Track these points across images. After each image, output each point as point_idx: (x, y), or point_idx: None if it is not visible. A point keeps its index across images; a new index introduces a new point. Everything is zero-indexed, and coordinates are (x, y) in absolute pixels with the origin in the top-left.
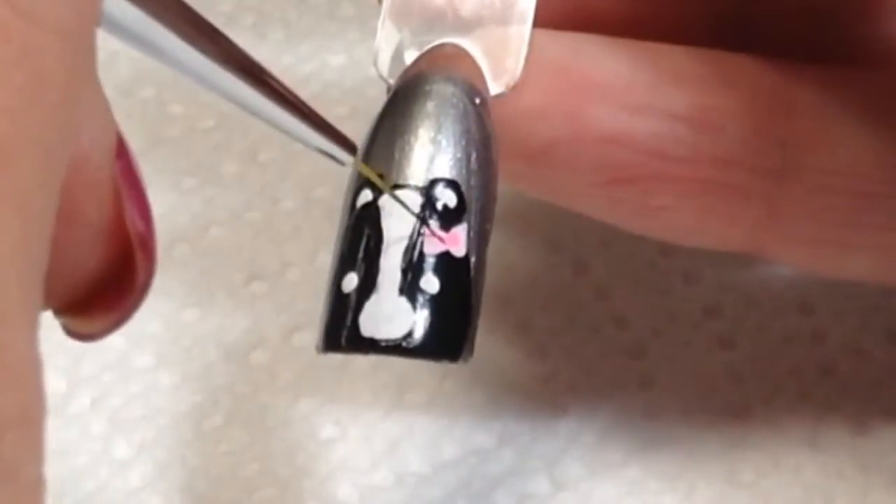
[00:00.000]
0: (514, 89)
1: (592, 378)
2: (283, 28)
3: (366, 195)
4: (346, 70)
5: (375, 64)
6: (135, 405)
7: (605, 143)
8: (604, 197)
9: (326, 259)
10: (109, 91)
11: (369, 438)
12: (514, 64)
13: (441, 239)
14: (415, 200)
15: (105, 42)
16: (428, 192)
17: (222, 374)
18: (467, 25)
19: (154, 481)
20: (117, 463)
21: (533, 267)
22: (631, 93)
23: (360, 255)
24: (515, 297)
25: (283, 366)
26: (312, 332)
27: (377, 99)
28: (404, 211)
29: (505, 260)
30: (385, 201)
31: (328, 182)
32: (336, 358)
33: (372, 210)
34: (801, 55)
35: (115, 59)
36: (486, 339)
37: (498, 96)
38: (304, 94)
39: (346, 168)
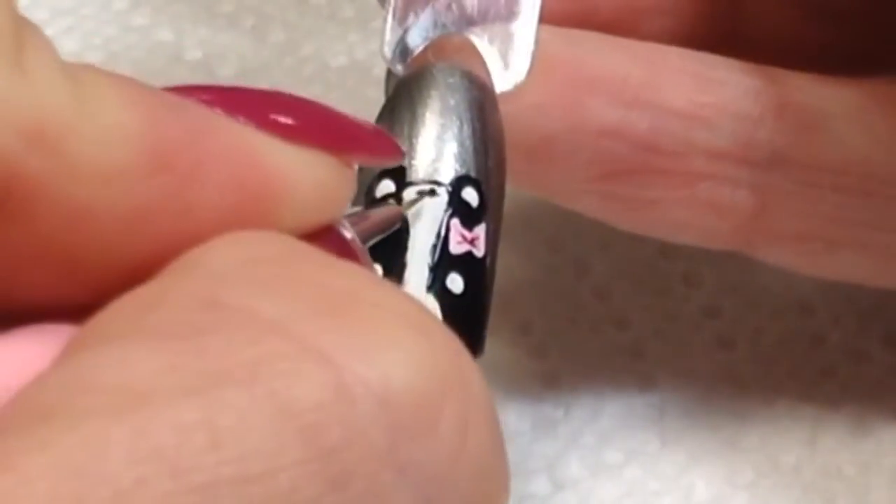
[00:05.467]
0: (519, 86)
1: (593, 378)
2: (284, 29)
3: (387, 186)
4: (348, 72)
5: (382, 51)
6: None
7: (602, 137)
8: (598, 192)
9: None
10: None
11: None
12: (522, 62)
13: (465, 238)
14: (441, 198)
15: (106, 44)
16: (454, 189)
17: None
18: (473, 21)
19: None
20: None
21: (533, 267)
22: (627, 88)
23: (384, 247)
24: (516, 298)
25: None
26: None
27: (379, 101)
28: (431, 207)
29: (505, 260)
30: (410, 195)
31: None
32: None
33: (394, 202)
34: (798, 58)
35: (114, 60)
36: (487, 339)
37: (503, 94)
38: (305, 96)
39: None
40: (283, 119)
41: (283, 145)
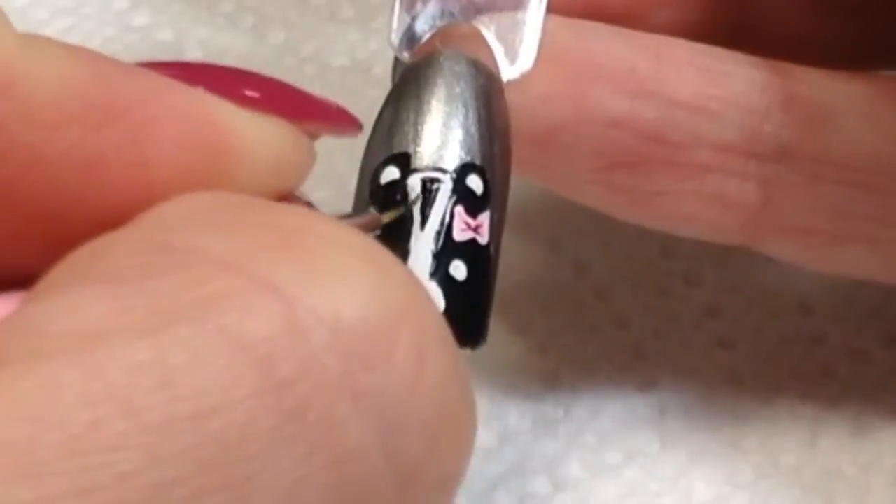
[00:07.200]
0: (525, 75)
1: (593, 378)
2: (284, 29)
3: (392, 172)
4: (348, 72)
5: (389, 39)
6: None
7: (607, 127)
8: (603, 183)
9: None
10: None
11: None
12: (529, 51)
13: (469, 226)
14: (445, 185)
15: (106, 44)
16: (459, 177)
17: None
18: (480, 9)
19: None
20: None
21: (533, 267)
22: (633, 79)
23: (387, 234)
24: (516, 298)
25: None
26: None
27: (379, 101)
28: (436, 194)
29: (505, 260)
30: (414, 182)
31: (330, 184)
32: None
33: (398, 190)
34: (806, 52)
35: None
36: (487, 336)
37: (509, 82)
38: None
39: (348, 170)
40: (242, 91)
41: (238, 109)
